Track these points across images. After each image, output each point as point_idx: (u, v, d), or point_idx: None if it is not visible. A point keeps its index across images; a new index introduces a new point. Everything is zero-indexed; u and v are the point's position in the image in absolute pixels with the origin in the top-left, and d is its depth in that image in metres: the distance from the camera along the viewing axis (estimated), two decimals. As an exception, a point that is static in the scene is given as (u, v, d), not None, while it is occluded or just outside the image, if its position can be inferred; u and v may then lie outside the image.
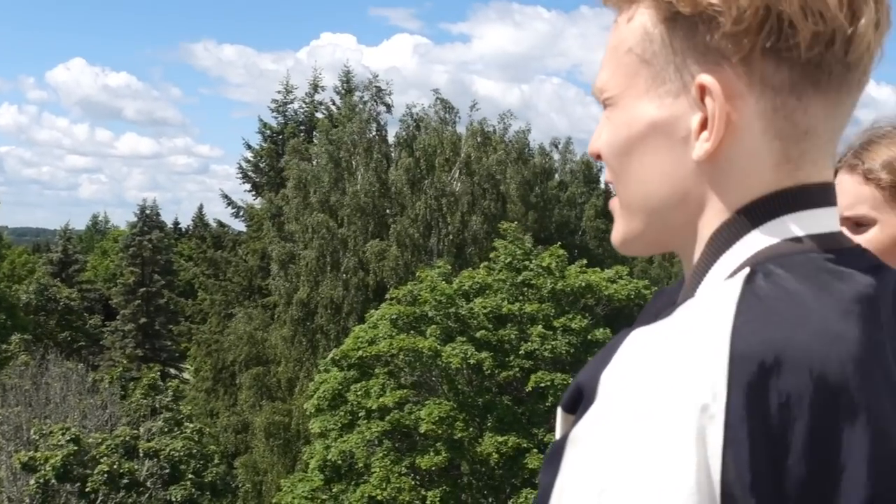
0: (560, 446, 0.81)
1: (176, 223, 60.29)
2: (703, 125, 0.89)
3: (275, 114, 38.40)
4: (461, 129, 33.19)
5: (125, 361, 35.52)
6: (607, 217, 43.04)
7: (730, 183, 0.92)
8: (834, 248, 0.90)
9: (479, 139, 32.27)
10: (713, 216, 0.93)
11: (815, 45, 0.86)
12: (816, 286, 0.84)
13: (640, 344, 0.81)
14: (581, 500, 0.77)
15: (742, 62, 0.88)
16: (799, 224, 0.91)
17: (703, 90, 0.88)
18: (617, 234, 1.01)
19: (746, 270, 0.86)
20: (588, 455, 0.78)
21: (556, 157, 37.84)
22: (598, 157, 1.02)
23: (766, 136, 0.90)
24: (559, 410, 0.91)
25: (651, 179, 0.95)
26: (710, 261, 0.92)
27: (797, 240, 0.90)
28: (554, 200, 34.45)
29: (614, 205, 1.02)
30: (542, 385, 21.30)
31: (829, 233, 0.91)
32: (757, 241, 0.90)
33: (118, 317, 48.58)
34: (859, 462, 0.79)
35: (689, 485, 0.75)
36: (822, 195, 0.93)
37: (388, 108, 33.99)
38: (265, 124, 38.49)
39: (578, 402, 0.84)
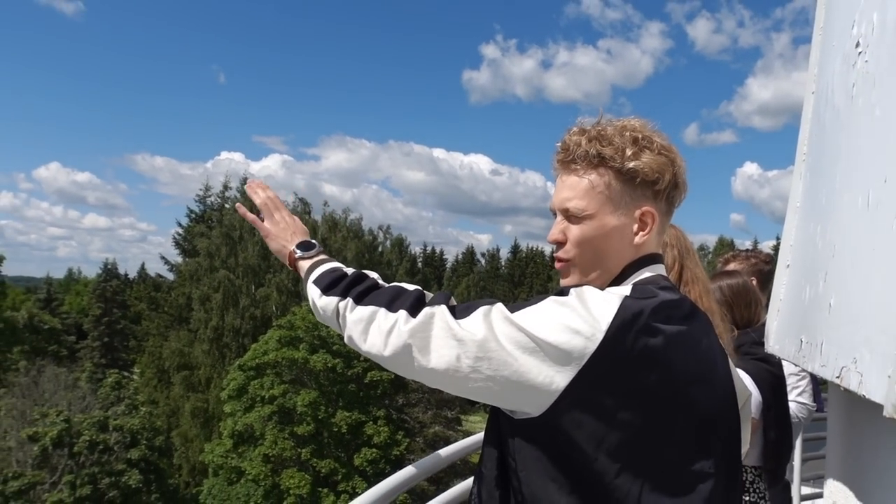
0: (563, 291, 1.24)
1: (126, 274, 61.93)
2: (640, 228, 1.32)
3: (198, 203, 41.37)
4: (317, 216, 37.75)
5: (93, 368, 36.04)
6: (412, 276, 48.92)
7: (641, 252, 1.34)
8: (669, 280, 1.36)
9: (329, 224, 36.69)
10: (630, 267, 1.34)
11: (680, 195, 1.37)
12: (662, 289, 1.27)
13: (592, 290, 1.22)
14: (553, 304, 1.20)
15: (657, 201, 1.33)
16: (656, 269, 1.36)
17: (646, 213, 1.32)
18: (572, 280, 1.38)
19: (635, 282, 1.30)
20: (562, 300, 1.20)
21: (381, 236, 43.65)
22: (558, 242, 1.38)
23: (658, 233, 1.36)
24: (554, 294, 1.24)
25: (608, 254, 1.34)
26: (620, 281, 1.34)
27: (657, 275, 1.34)
28: (377, 263, 38.43)
29: (570, 264, 1.37)
30: (375, 379, 23.98)
31: (665, 275, 1.37)
32: (640, 274, 1.33)
33: (88, 337, 49.19)
34: (678, 371, 1.19)
35: (585, 331, 1.15)
36: (661, 258, 1.39)
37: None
38: (191, 211, 41.52)
39: (562, 293, 1.22)
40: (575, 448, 1.15)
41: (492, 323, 1.19)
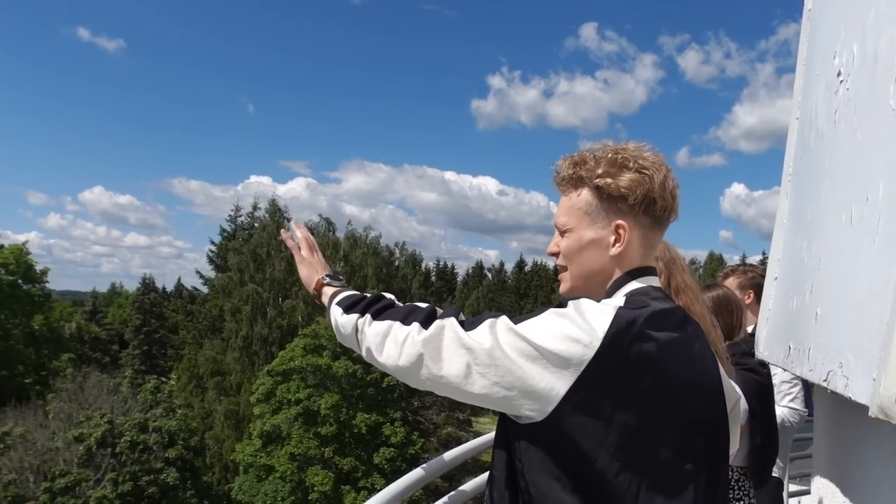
0: (562, 304, 1.23)
1: (164, 288, 61.77)
2: (616, 240, 1.31)
3: (230, 223, 41.43)
4: (340, 234, 37.16)
5: (134, 374, 34.73)
6: (426, 289, 48.63)
7: (623, 264, 1.32)
8: (662, 291, 1.33)
9: (351, 241, 35.92)
10: (615, 278, 1.32)
11: (662, 211, 1.31)
12: (654, 300, 1.26)
13: (589, 302, 1.21)
14: (553, 316, 1.20)
15: (633, 215, 1.30)
16: (647, 281, 1.32)
17: (618, 226, 1.30)
18: (565, 289, 1.38)
19: (627, 293, 1.29)
20: (561, 311, 1.20)
21: (397, 252, 43.32)
22: (554, 254, 1.40)
23: (640, 245, 1.33)
24: (554, 307, 1.23)
25: (589, 264, 1.34)
26: (612, 292, 1.32)
27: (648, 286, 1.31)
28: (394, 276, 37.99)
29: (565, 275, 1.39)
30: (392, 383, 23.56)
31: (658, 286, 1.34)
32: (631, 286, 1.31)
33: (129, 346, 49.00)
34: (670, 375, 1.17)
35: (583, 339, 1.15)
36: (653, 271, 1.36)
37: (289, 221, 38.10)
38: (223, 229, 41.48)
39: (561, 306, 1.22)
40: (577, 449, 1.15)
41: (497, 333, 1.19)
